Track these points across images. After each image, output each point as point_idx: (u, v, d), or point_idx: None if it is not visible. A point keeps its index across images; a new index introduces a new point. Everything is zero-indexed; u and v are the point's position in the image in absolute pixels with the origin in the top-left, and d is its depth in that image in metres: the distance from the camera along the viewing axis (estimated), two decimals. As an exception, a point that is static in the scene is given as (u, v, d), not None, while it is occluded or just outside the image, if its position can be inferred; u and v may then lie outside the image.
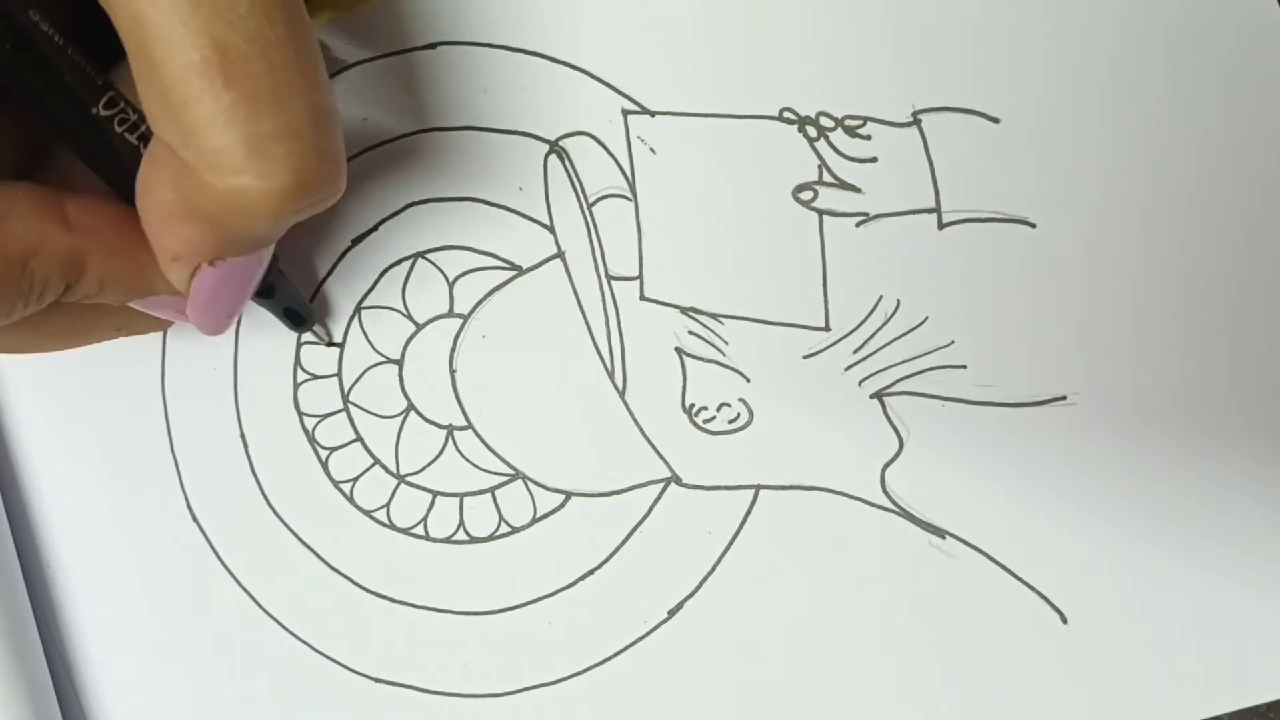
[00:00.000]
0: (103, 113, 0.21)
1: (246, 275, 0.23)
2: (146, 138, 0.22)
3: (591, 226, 0.28)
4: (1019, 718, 0.27)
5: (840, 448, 0.27)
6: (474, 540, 0.29)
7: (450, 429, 0.29)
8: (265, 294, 0.27)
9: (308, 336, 0.29)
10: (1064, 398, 0.26)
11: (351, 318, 0.29)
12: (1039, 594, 0.27)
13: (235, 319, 0.24)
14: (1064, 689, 0.27)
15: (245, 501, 0.30)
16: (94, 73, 0.21)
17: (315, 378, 0.29)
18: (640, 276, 0.28)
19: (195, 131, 0.18)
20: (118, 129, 0.22)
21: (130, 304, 0.24)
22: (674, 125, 0.27)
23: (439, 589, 0.29)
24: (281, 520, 0.30)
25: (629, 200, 0.28)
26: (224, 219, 0.20)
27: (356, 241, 0.29)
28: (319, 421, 0.29)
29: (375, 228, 0.29)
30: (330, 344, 0.29)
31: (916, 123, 0.26)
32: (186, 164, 0.19)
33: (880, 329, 0.27)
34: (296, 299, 0.28)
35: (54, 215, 0.21)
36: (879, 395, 0.27)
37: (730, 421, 0.28)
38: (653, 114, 0.27)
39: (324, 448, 0.29)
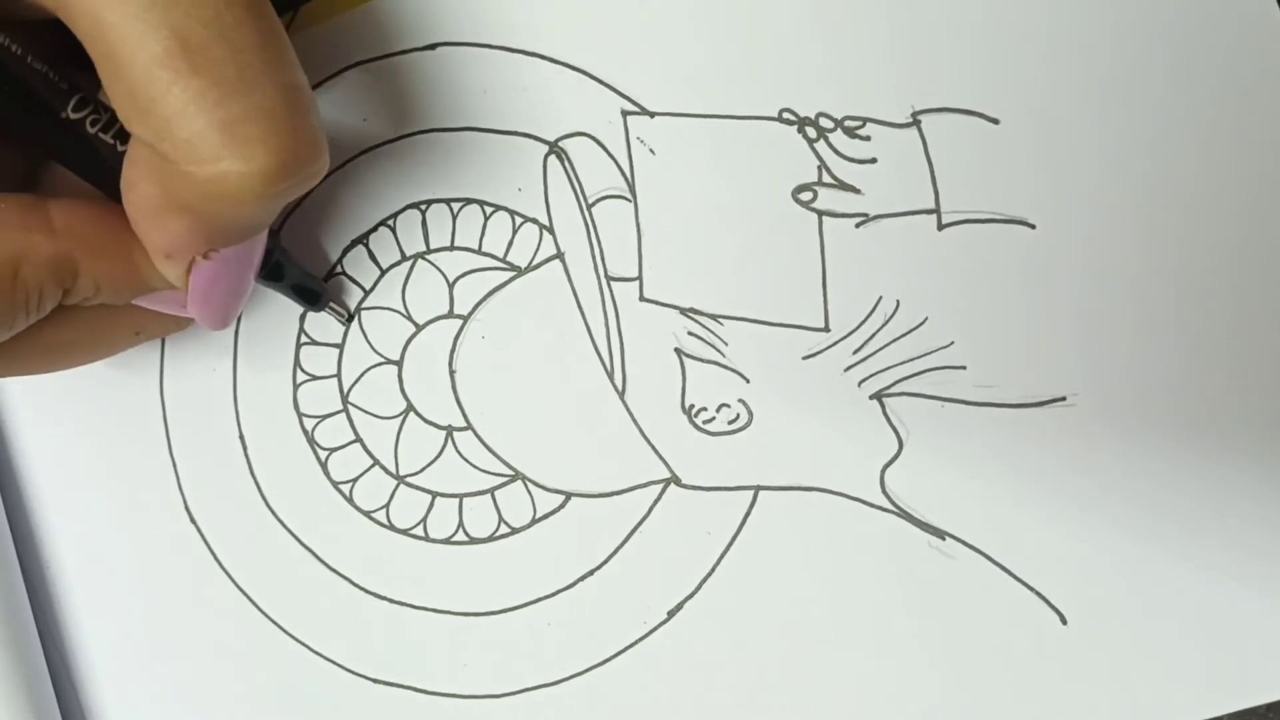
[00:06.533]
0: (72, 115, 0.21)
1: (242, 264, 0.23)
2: (124, 135, 0.22)
3: (591, 227, 0.28)
4: (1019, 718, 0.27)
5: (840, 448, 0.27)
6: (473, 541, 0.29)
7: (450, 430, 0.29)
8: (274, 276, 0.27)
9: (311, 330, 0.29)
10: (1064, 398, 0.26)
11: (351, 318, 0.29)
12: (1039, 594, 0.27)
13: (239, 310, 0.24)
14: (1064, 689, 0.27)
15: (244, 502, 0.30)
16: (57, 78, 0.21)
17: (315, 378, 0.29)
18: (640, 277, 0.28)
19: (168, 124, 0.18)
20: (91, 130, 0.22)
21: (135, 302, 0.24)
22: (673, 126, 0.27)
23: (438, 590, 0.29)
24: (280, 521, 0.30)
25: (628, 201, 0.28)
26: (210, 208, 0.20)
27: (356, 241, 0.29)
28: (318, 422, 0.29)
29: (375, 228, 0.29)
30: (349, 319, 0.29)
31: (916, 123, 0.26)
32: (165, 157, 0.19)
33: (880, 330, 0.27)
34: (306, 277, 0.28)
35: (38, 223, 0.21)
36: (879, 396, 0.27)
37: (730, 422, 0.28)
38: (652, 115, 0.27)
39: (323, 448, 0.29)
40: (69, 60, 0.21)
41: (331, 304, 0.29)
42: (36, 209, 0.21)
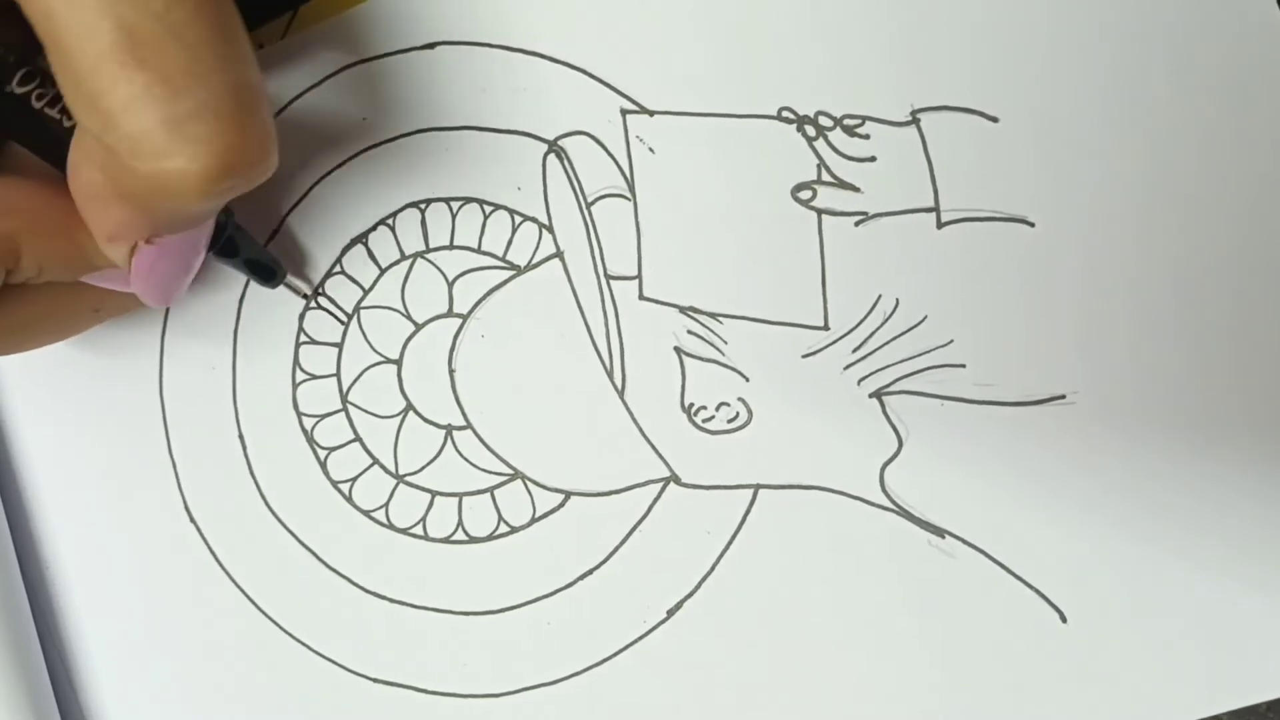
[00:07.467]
0: (17, 90, 0.21)
1: (187, 247, 0.23)
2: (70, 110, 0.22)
3: (590, 226, 0.28)
4: (1019, 718, 0.27)
5: (839, 447, 0.27)
6: (473, 540, 0.29)
7: (449, 429, 0.29)
8: (227, 252, 0.27)
9: (310, 329, 0.29)
10: (1063, 397, 0.26)
11: (351, 318, 0.29)
12: (1039, 594, 0.27)
13: (183, 288, 0.24)
14: (1064, 689, 0.26)
15: (243, 502, 0.30)
16: (3, 52, 0.21)
17: (314, 378, 0.29)
18: (639, 276, 0.28)
19: (114, 117, 0.18)
20: (37, 104, 0.21)
21: (81, 279, 0.24)
22: (673, 125, 0.27)
23: (438, 589, 0.29)
24: (280, 520, 0.30)
25: (628, 200, 0.28)
26: (152, 201, 0.19)
27: (356, 240, 0.29)
28: (318, 421, 0.29)
29: (375, 228, 0.29)
30: (307, 296, 0.29)
31: (915, 122, 0.26)
32: (110, 149, 0.19)
33: (879, 328, 0.27)
34: (261, 252, 0.28)
35: None
36: (878, 394, 0.27)
37: (729, 421, 0.28)
38: (651, 113, 0.27)
39: (323, 448, 0.29)
40: (26, 39, 0.21)
41: (287, 281, 0.28)
42: None
